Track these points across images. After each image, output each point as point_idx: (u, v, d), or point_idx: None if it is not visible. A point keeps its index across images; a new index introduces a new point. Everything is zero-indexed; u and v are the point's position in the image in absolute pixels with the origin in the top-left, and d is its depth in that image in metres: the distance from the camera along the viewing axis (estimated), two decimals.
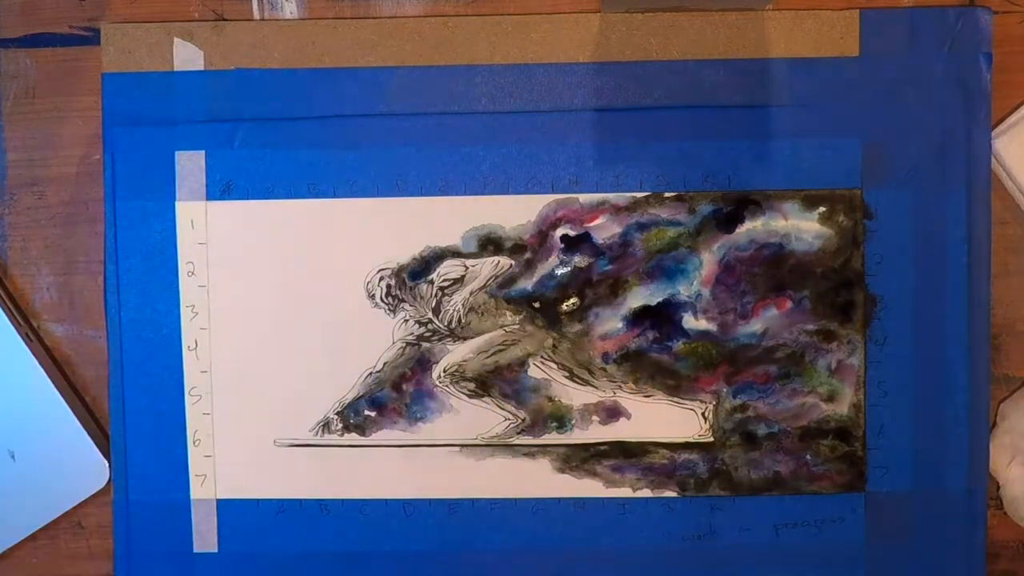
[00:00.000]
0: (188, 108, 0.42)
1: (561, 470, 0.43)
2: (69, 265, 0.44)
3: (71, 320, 0.45)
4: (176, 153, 0.42)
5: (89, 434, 0.43)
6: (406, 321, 0.43)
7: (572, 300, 0.42)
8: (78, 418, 0.43)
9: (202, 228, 0.42)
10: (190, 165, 0.42)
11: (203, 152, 0.42)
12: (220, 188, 0.42)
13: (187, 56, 0.42)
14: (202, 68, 0.42)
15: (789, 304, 0.42)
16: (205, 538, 0.43)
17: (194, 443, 0.43)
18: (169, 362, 0.43)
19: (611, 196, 0.42)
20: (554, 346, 0.42)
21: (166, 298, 0.43)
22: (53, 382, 0.43)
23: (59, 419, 0.43)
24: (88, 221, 0.44)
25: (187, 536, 0.43)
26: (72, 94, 0.44)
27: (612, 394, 0.42)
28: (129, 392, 0.43)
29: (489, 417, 0.43)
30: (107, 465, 0.43)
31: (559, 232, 0.42)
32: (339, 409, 0.43)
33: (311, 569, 0.43)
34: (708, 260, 0.42)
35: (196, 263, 0.43)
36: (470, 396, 0.43)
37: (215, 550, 0.43)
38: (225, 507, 0.43)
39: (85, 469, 0.43)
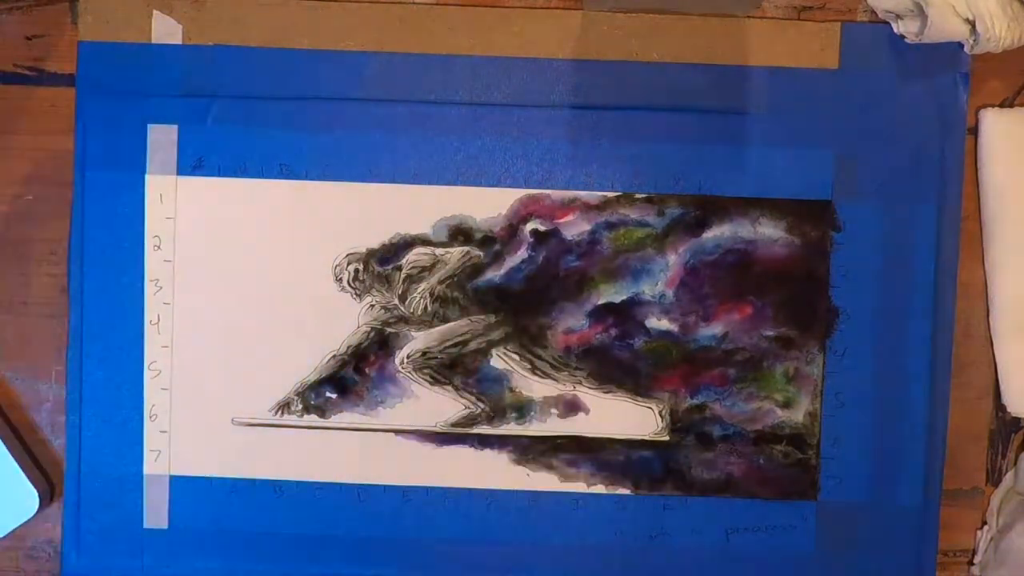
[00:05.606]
0: (163, 81, 0.42)
1: (518, 462, 0.43)
2: None
3: None
4: (148, 126, 0.42)
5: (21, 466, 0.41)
6: (372, 306, 0.43)
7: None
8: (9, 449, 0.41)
9: (171, 202, 0.42)
10: (162, 139, 0.42)
11: (176, 126, 0.42)
12: (191, 163, 0.42)
13: (165, 29, 0.42)
14: (180, 42, 0.42)
15: (751, 310, 0.42)
16: (156, 514, 0.42)
17: (150, 418, 0.42)
18: (130, 335, 0.42)
19: (582, 194, 0.42)
20: (518, 338, 0.43)
21: (130, 271, 0.42)
22: None
23: None
24: (15, 259, 0.43)
25: (138, 511, 0.42)
26: (11, 132, 0.43)
27: (572, 388, 0.43)
28: (87, 363, 0.42)
29: (449, 405, 0.43)
30: (36, 495, 0.41)
31: (529, 226, 0.42)
32: (300, 390, 0.43)
33: (262, 550, 0.43)
34: (674, 262, 0.42)
35: (163, 237, 0.42)
36: (432, 383, 0.43)
37: (165, 526, 0.42)
38: (178, 483, 0.42)
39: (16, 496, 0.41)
